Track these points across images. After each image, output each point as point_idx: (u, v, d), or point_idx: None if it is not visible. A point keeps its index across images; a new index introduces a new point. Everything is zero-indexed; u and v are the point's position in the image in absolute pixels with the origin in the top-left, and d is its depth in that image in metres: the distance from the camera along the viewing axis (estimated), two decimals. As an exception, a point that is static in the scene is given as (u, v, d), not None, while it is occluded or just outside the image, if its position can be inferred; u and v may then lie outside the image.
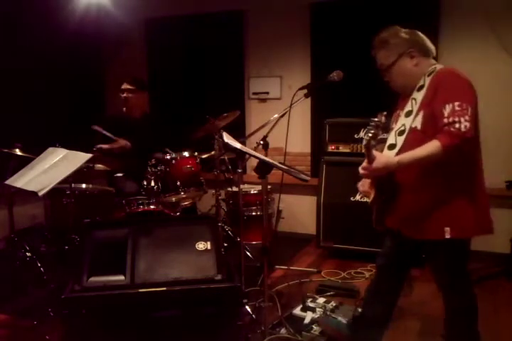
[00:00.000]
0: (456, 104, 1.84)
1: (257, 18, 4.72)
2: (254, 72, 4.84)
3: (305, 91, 2.71)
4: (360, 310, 2.63)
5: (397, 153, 1.99)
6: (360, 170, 1.95)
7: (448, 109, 1.85)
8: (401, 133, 2.04)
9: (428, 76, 2.05)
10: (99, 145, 3.57)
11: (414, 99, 2.04)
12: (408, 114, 2.04)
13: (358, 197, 3.96)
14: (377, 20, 4.25)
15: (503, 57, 3.89)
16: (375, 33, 2.23)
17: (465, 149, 1.88)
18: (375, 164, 1.86)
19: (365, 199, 3.92)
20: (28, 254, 3.41)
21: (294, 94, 2.64)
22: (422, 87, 2.05)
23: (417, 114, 2.01)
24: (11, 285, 3.29)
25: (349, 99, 4.31)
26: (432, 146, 1.84)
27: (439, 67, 2.06)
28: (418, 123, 1.99)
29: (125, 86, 3.83)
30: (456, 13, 3.98)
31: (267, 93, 4.79)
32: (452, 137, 1.81)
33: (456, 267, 2.13)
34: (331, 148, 4.13)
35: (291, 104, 2.63)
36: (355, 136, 4.01)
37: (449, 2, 3.98)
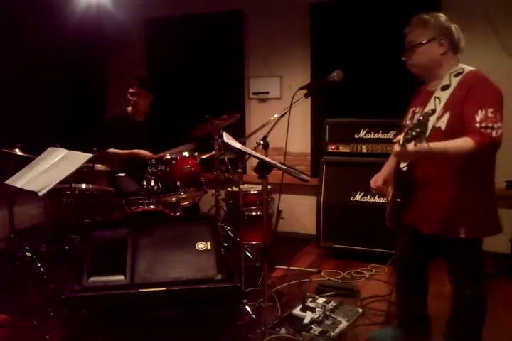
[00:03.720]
0: (490, 110, 1.90)
1: (257, 18, 4.72)
2: (254, 72, 4.84)
3: (305, 91, 2.70)
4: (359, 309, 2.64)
5: None
6: (395, 148, 1.89)
7: (481, 114, 1.90)
8: None
9: (455, 76, 2.07)
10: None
11: (438, 99, 2.05)
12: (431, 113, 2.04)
13: (358, 197, 3.96)
14: (376, 20, 4.27)
15: (502, 57, 3.88)
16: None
17: (492, 153, 1.96)
18: (409, 147, 1.81)
19: (366, 199, 3.95)
20: (28, 254, 3.41)
21: (294, 94, 2.63)
22: (447, 87, 2.06)
23: (442, 115, 2.01)
24: (11, 285, 3.30)
25: (349, 99, 4.31)
26: (465, 142, 1.88)
27: (467, 69, 2.09)
28: (443, 124, 2.00)
29: (135, 90, 3.78)
30: (456, 13, 3.95)
31: (267, 93, 4.79)
32: (485, 138, 1.87)
33: (471, 264, 2.18)
34: (331, 148, 4.13)
35: (291, 104, 2.63)
36: (355, 136, 4.01)
37: (448, 2, 3.98)
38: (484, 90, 1.98)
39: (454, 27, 2.14)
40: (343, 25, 4.35)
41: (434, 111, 2.00)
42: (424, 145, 1.78)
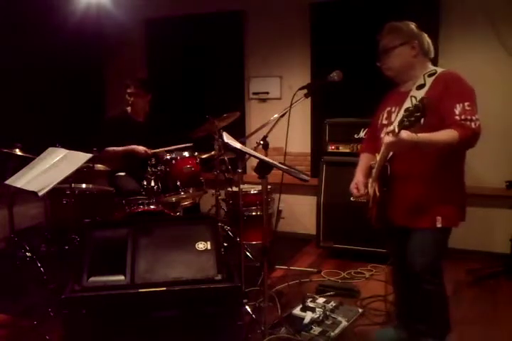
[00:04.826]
0: (466, 104, 2.02)
1: (257, 18, 4.72)
2: (254, 72, 4.84)
3: (305, 91, 2.70)
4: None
5: None
6: (387, 138, 1.92)
7: (459, 108, 2.02)
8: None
9: (429, 76, 2.18)
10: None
11: (414, 97, 2.15)
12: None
13: (358, 197, 3.96)
14: (376, 20, 4.24)
15: (503, 56, 3.89)
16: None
17: (473, 145, 2.03)
18: (401, 134, 1.84)
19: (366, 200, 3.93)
20: (28, 254, 3.41)
21: (294, 94, 2.64)
22: (422, 86, 2.17)
23: None
24: (11, 285, 3.29)
25: (349, 99, 4.30)
26: (450, 134, 1.97)
27: (439, 69, 2.21)
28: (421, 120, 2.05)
29: (133, 90, 3.76)
30: (457, 13, 3.98)
31: (267, 93, 4.79)
32: (466, 130, 1.97)
33: (438, 252, 2.27)
34: (330, 148, 4.13)
35: (291, 104, 2.63)
36: (355, 136, 4.01)
37: (448, 2, 3.98)
38: (459, 87, 2.11)
39: (423, 33, 2.27)
40: (343, 25, 4.35)
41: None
42: (414, 135, 1.85)
